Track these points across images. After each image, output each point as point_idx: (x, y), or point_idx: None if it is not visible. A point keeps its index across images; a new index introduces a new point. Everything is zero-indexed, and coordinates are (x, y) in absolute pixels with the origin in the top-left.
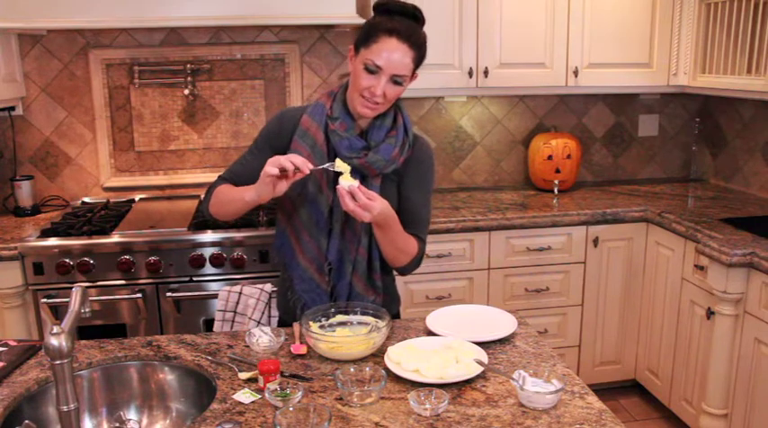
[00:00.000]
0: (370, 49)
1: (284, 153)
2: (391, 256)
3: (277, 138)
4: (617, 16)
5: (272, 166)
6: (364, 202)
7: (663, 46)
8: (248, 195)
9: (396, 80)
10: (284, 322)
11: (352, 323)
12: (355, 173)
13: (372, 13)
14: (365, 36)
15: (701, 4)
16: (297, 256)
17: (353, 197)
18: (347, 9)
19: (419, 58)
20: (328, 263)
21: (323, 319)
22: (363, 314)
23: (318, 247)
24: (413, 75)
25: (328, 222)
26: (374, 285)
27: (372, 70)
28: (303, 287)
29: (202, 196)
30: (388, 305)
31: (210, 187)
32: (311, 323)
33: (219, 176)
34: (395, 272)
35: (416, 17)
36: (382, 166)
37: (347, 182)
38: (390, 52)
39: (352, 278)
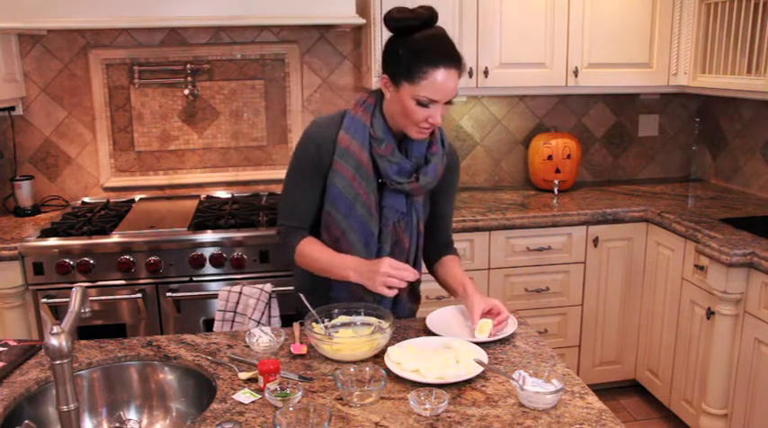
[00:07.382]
0: (420, 85)
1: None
2: None
3: (320, 163)
4: (617, 16)
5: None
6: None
7: (663, 46)
8: (353, 276)
9: (449, 101)
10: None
11: (355, 323)
12: (400, 194)
13: (385, 27)
14: (407, 71)
15: (700, 4)
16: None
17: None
18: (347, 9)
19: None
20: None
21: (326, 320)
22: (367, 314)
23: None
24: None
25: (377, 242)
26: (416, 292)
27: (428, 104)
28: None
29: (278, 239)
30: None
31: (288, 239)
32: (314, 324)
33: (287, 225)
34: None
35: (434, 19)
36: (431, 186)
37: (484, 333)
38: (443, 83)
39: (401, 291)
